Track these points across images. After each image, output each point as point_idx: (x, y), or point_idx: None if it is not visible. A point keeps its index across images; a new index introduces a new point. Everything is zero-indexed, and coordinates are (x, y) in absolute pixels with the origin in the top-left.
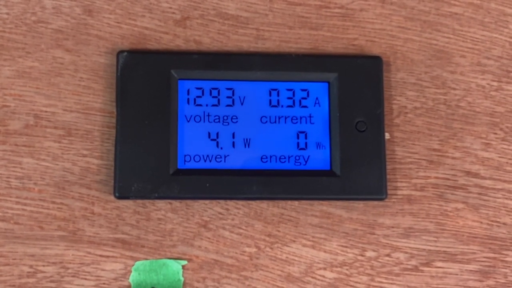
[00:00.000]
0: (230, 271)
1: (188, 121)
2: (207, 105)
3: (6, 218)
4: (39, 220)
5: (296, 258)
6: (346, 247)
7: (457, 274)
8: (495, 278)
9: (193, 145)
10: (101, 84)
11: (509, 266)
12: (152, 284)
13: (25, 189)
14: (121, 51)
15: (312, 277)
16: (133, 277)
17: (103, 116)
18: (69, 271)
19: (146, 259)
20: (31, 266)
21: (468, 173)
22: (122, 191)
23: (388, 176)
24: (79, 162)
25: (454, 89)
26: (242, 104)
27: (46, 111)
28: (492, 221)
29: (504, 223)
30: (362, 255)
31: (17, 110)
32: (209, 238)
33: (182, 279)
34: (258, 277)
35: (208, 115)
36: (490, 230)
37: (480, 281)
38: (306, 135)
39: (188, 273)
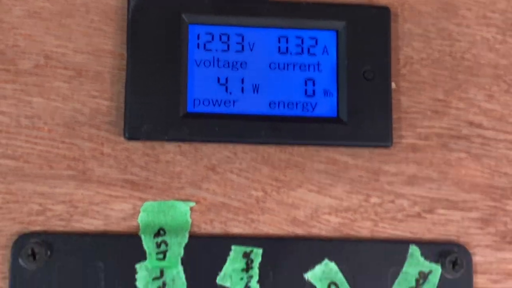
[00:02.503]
0: (237, 214)
1: (198, 66)
2: (216, 50)
3: (16, 157)
4: (48, 159)
5: (302, 203)
6: (351, 193)
7: (458, 222)
8: (496, 226)
9: (203, 90)
10: (112, 27)
11: (509, 215)
12: (160, 224)
13: (35, 128)
14: None
15: (318, 222)
16: (141, 218)
17: (114, 58)
18: (79, 210)
19: (155, 200)
20: (40, 204)
21: (471, 123)
22: (132, 132)
23: (393, 125)
24: (89, 103)
25: (460, 41)
26: (251, 50)
27: (56, 52)
28: (493, 170)
29: (505, 173)
30: (366, 201)
31: (27, 50)
32: (217, 181)
33: (189, 220)
34: (265, 220)
35: (218, 60)
36: (492, 179)
37: (481, 228)
38: (314, 82)
39: (196, 214)
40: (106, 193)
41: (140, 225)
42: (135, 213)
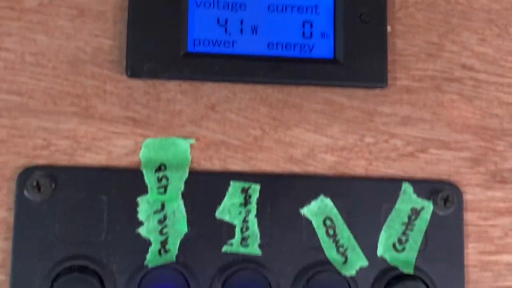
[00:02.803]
0: (235, 151)
1: (198, 7)
2: None
3: (21, 92)
4: (52, 96)
5: (299, 142)
6: (346, 132)
7: (450, 161)
8: (486, 165)
9: (203, 30)
10: None
11: (499, 155)
12: (161, 160)
13: (39, 65)
14: None
15: (314, 160)
16: (143, 154)
17: None
18: (82, 145)
19: (156, 137)
20: (44, 139)
21: (464, 66)
22: (134, 70)
23: (388, 67)
24: (92, 42)
25: None
26: None
27: None
28: (484, 112)
29: (496, 114)
30: (361, 141)
31: None
32: (216, 120)
33: (189, 157)
34: (262, 158)
35: (217, 1)
36: (483, 120)
37: (472, 168)
38: (311, 24)
39: (196, 152)
40: (108, 129)
41: (142, 160)
42: (137, 149)
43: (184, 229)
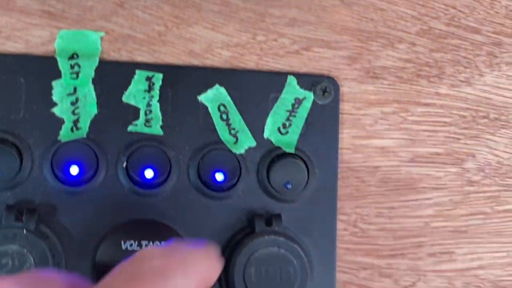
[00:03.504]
0: (141, 45)
1: None
2: None
3: None
4: None
5: (198, 38)
6: (240, 31)
7: (330, 58)
8: (361, 63)
9: None
10: None
11: (372, 54)
12: (74, 50)
13: None
14: None
15: (211, 54)
16: (57, 43)
17: None
18: (2, 34)
19: (69, 29)
20: None
21: None
22: None
23: None
24: None
25: None
26: None
27: None
28: (361, 16)
29: (371, 19)
30: (253, 39)
31: None
32: (124, 16)
33: (100, 48)
34: (165, 51)
35: None
36: (360, 24)
37: (349, 65)
38: None
39: (106, 44)
40: (26, 21)
41: (56, 49)
42: (52, 40)
43: (94, 110)
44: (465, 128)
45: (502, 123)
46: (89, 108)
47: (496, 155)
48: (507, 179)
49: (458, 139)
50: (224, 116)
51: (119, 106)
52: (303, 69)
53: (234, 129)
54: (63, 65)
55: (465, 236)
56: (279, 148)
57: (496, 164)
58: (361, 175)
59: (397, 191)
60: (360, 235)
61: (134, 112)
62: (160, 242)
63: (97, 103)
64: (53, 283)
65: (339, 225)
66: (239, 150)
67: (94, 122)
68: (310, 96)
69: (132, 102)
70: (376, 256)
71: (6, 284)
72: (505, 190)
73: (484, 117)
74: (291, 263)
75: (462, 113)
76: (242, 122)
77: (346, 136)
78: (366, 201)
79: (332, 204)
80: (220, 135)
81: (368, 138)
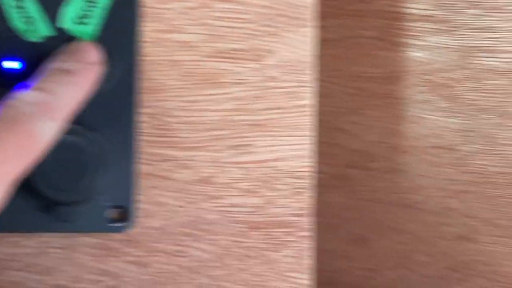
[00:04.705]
0: None
1: None
2: None
3: None
4: None
5: None
6: None
7: None
8: None
9: None
10: None
11: None
12: None
13: None
14: None
15: None
16: None
17: None
18: None
19: None
20: None
21: None
22: None
23: None
24: None
25: None
26: None
27: None
28: None
29: None
30: None
31: None
32: None
33: None
34: None
35: None
36: None
37: None
38: None
39: None
40: None
41: None
42: None
43: None
44: (265, 26)
45: (301, 21)
46: None
47: (294, 52)
48: (303, 76)
49: (258, 35)
50: (20, 4)
51: None
52: None
53: (31, 17)
54: None
55: (264, 130)
56: (79, 38)
57: (294, 61)
58: (163, 68)
59: (199, 85)
60: (162, 128)
61: None
62: None
63: None
64: None
65: (141, 118)
66: (37, 38)
67: None
68: None
69: None
70: (177, 148)
71: None
72: (302, 86)
73: (284, 15)
74: (83, 151)
75: (262, 10)
76: (41, 12)
77: (148, 29)
78: (168, 94)
79: (133, 96)
80: (16, 24)
81: (169, 32)
